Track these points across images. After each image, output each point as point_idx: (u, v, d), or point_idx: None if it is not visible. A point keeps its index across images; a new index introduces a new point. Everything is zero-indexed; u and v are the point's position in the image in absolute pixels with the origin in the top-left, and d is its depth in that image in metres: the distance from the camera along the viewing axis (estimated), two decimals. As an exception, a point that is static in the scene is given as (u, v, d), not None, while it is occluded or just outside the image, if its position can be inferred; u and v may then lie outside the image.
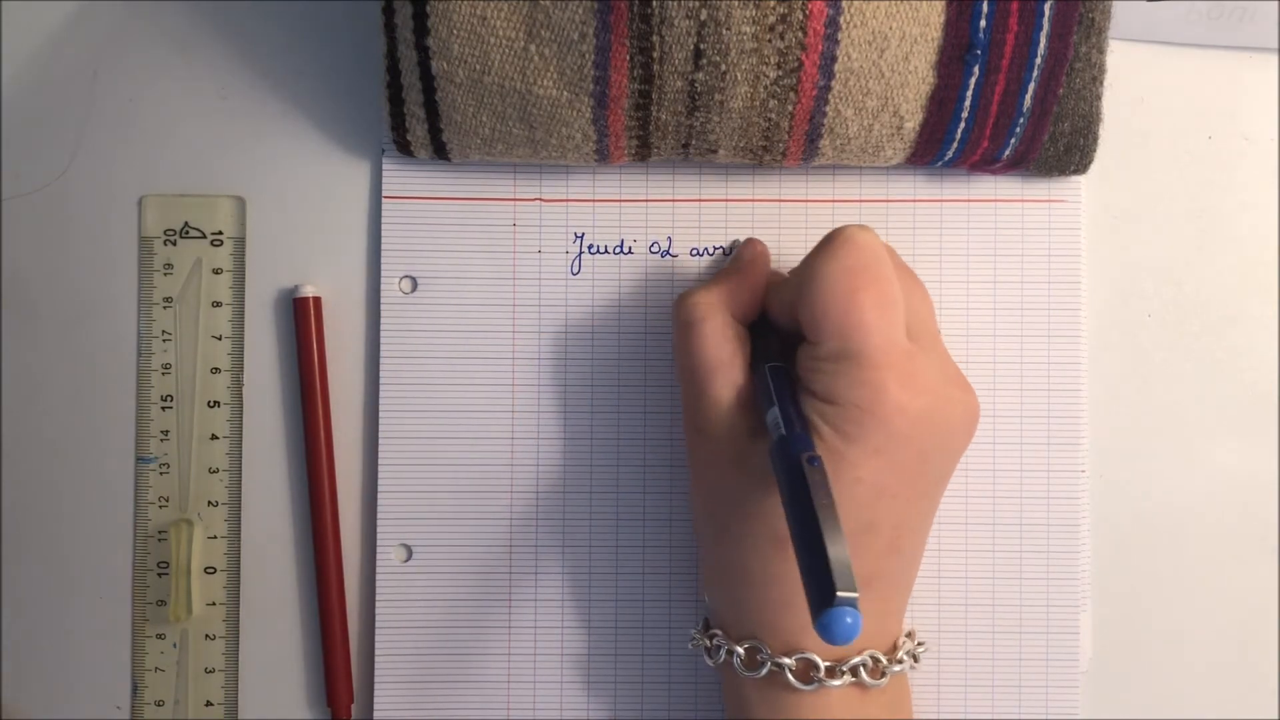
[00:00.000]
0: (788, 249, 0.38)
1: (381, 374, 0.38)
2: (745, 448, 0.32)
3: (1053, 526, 0.38)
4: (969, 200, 0.38)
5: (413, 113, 0.35)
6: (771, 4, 0.32)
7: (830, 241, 0.32)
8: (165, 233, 0.38)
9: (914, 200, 0.38)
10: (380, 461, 0.38)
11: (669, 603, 0.38)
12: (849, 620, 0.26)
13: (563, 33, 0.32)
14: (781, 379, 0.32)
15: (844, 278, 0.31)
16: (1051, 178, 0.38)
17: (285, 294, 0.38)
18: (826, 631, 0.26)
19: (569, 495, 0.38)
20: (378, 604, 0.38)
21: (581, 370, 0.38)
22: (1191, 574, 0.39)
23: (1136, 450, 0.39)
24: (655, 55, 0.33)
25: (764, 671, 0.32)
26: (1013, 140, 0.36)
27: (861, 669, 0.32)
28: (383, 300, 0.38)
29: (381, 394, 0.38)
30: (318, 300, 0.38)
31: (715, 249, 0.38)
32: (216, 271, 0.38)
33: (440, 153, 0.36)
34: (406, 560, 0.38)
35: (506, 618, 0.38)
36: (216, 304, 0.38)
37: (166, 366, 0.38)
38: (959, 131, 0.35)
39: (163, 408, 0.38)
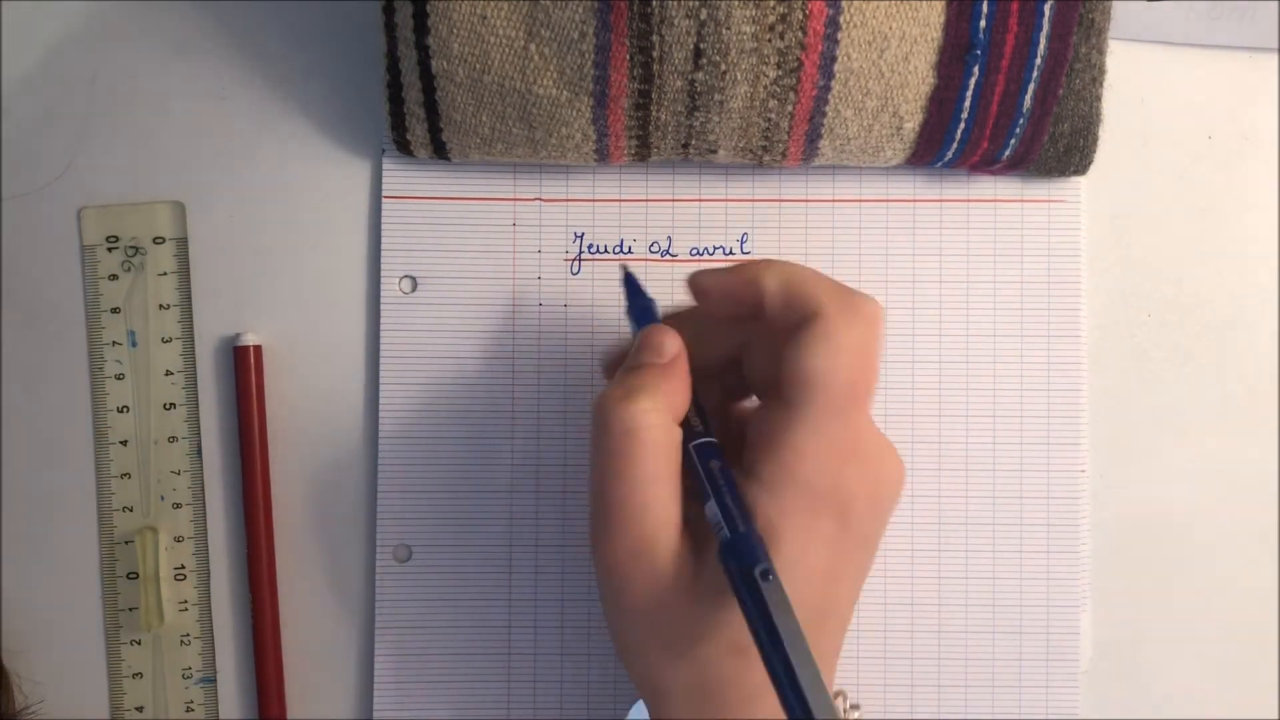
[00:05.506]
0: (788, 249, 0.38)
1: (381, 374, 0.38)
2: (691, 560, 0.29)
3: (1053, 526, 0.38)
4: (969, 200, 0.38)
5: (413, 112, 0.35)
6: (771, 4, 0.32)
7: (856, 311, 0.29)
8: (155, 240, 0.38)
9: (914, 200, 0.38)
10: (380, 461, 0.38)
11: (669, 603, 0.38)
12: None
13: (563, 32, 0.32)
14: (715, 462, 0.29)
15: (873, 325, 0.29)
16: (1051, 178, 0.38)
17: (279, 294, 0.38)
18: None
19: (569, 495, 0.38)
20: (377, 604, 0.38)
21: (581, 370, 0.38)
22: (1191, 573, 0.39)
23: (1136, 450, 0.39)
24: (655, 55, 0.33)
25: None
26: (1013, 141, 0.36)
27: None
28: (382, 300, 0.38)
29: (381, 394, 0.38)
30: (258, 349, 0.38)
31: (715, 249, 0.38)
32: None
33: (440, 152, 0.36)
34: (406, 560, 0.38)
35: (506, 617, 0.38)
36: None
37: (119, 375, 0.38)
38: (959, 132, 0.35)
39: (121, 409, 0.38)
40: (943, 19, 0.33)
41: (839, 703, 0.32)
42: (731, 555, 0.27)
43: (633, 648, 0.31)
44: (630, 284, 0.35)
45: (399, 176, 0.38)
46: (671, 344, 0.31)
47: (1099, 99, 0.36)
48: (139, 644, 0.38)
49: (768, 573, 0.27)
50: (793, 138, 0.35)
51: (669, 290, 0.38)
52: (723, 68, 0.33)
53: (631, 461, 0.29)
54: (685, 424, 0.31)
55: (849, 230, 0.38)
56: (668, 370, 0.31)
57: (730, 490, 0.29)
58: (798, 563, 0.29)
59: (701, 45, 0.32)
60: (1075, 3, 0.34)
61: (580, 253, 0.38)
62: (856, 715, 0.32)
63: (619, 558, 0.29)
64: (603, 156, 0.36)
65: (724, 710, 0.29)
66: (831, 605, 0.30)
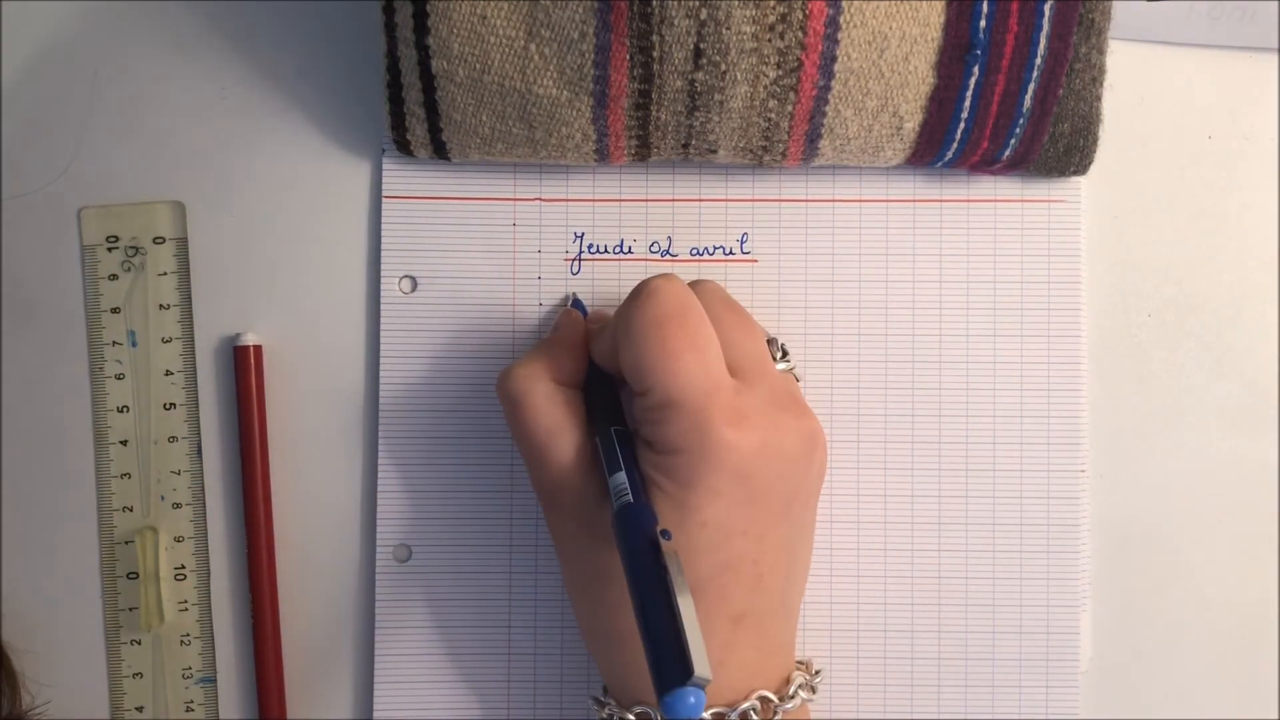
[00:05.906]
0: (788, 249, 0.38)
1: (381, 374, 0.38)
2: (595, 510, 0.32)
3: (1053, 526, 0.38)
4: (969, 200, 0.38)
5: (413, 112, 0.35)
6: (771, 4, 0.32)
7: (635, 295, 0.32)
8: (155, 240, 0.38)
9: (914, 200, 0.38)
10: (380, 461, 0.38)
11: (669, 603, 0.38)
12: (692, 701, 0.26)
13: (563, 32, 0.32)
14: (624, 443, 0.32)
15: (652, 329, 0.31)
16: (1051, 178, 0.38)
17: (279, 294, 0.38)
18: (670, 710, 0.26)
19: (569, 495, 0.38)
20: (377, 604, 0.38)
21: (581, 370, 0.38)
22: (1191, 574, 0.39)
23: (1136, 450, 0.39)
24: (655, 55, 0.33)
25: None
26: (1012, 141, 0.36)
27: (752, 713, 0.31)
28: (383, 300, 0.38)
29: (381, 394, 0.38)
30: (258, 349, 0.38)
31: (715, 248, 0.38)
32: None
33: (440, 152, 0.36)
34: (406, 560, 0.38)
35: (506, 617, 0.38)
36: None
37: (119, 375, 0.38)
38: (959, 132, 0.35)
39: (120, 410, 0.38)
40: (943, 19, 0.33)
41: (799, 673, 0.33)
42: (623, 520, 0.30)
43: (565, 584, 0.35)
44: (576, 306, 0.38)
45: (399, 176, 0.38)
46: (562, 321, 0.36)
47: (1099, 99, 0.36)
48: (139, 644, 0.38)
49: (666, 532, 0.29)
50: (793, 138, 0.35)
51: (669, 290, 0.38)
52: (723, 68, 0.33)
53: (518, 420, 0.33)
54: (605, 408, 0.34)
55: (849, 230, 0.38)
56: (550, 343, 0.35)
57: (635, 465, 0.32)
58: (686, 518, 0.30)
59: (701, 45, 0.32)
60: (1075, 3, 0.34)
61: (580, 253, 0.38)
62: (802, 697, 0.33)
63: (540, 501, 0.34)
64: (603, 156, 0.36)
65: (639, 660, 0.30)
66: (737, 560, 0.31)
